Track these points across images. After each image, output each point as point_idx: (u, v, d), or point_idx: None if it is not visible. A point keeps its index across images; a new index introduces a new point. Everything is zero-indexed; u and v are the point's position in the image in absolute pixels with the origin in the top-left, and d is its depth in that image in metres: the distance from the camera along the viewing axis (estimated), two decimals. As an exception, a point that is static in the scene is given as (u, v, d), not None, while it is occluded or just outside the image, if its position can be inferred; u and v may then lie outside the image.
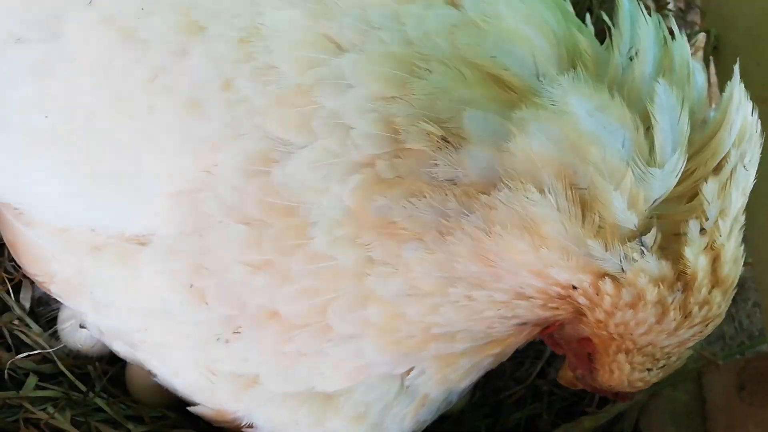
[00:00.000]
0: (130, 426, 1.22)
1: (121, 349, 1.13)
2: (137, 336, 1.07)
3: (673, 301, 0.84)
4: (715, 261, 0.84)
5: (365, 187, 0.90)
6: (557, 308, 0.92)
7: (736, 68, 0.86)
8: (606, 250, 0.81)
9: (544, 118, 0.81)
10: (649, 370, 0.93)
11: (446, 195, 0.86)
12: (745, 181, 0.85)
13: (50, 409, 1.16)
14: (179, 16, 0.95)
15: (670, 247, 0.83)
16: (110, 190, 1.01)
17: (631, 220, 0.80)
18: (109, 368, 1.30)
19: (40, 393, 1.20)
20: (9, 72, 0.98)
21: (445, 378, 1.07)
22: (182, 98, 0.93)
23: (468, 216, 0.85)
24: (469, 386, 1.23)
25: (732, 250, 0.86)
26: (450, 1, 0.94)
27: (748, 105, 0.86)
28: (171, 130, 0.95)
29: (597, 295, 0.85)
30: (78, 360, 1.29)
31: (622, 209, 0.79)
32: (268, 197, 0.92)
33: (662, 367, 0.93)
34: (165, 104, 0.94)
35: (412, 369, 1.04)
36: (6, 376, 1.22)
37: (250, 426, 1.08)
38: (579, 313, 0.91)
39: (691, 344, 0.91)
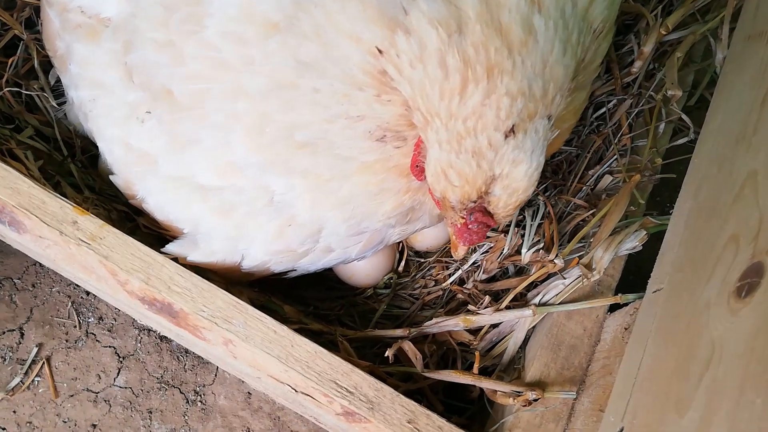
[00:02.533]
0: (86, 192, 1.43)
1: (80, 121, 1.33)
2: (88, 106, 1.27)
3: (451, 46, 0.85)
4: (489, 2, 0.85)
5: None
6: (390, 101, 0.97)
7: None
8: None
9: None
10: (457, 153, 0.91)
11: None
12: None
13: (30, 155, 1.40)
14: None
15: None
16: None
17: None
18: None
19: (31, 141, 1.46)
20: None
21: (315, 201, 1.14)
22: None
23: None
24: (366, 252, 1.29)
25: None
26: None
27: None
28: None
29: (398, 57, 0.90)
30: (77, 136, 1.54)
31: None
32: (182, -15, 1.05)
33: (472, 153, 0.90)
34: None
35: (282, 184, 1.13)
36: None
37: (144, 201, 1.24)
38: (407, 107, 0.95)
39: (491, 119, 0.88)
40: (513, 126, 0.89)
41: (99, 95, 1.23)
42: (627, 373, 0.98)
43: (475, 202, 0.96)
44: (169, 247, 1.22)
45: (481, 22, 0.87)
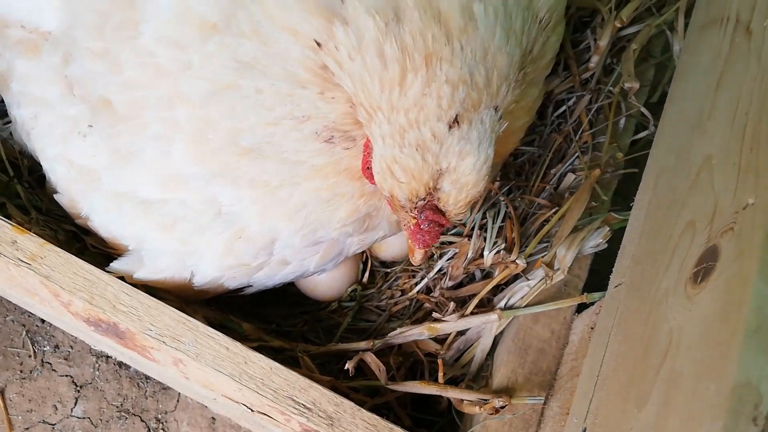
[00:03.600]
0: (33, 214, 1.38)
1: (24, 140, 1.28)
2: (30, 124, 1.22)
3: (389, 35, 0.83)
4: None
5: None
6: (334, 98, 0.94)
7: None
8: None
9: None
10: (401, 147, 0.87)
11: None
12: None
13: (-27, 178, 1.35)
14: None
15: None
16: None
17: None
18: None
19: (-26, 165, 1.40)
20: None
21: (265, 211, 1.09)
22: None
23: None
24: (325, 264, 1.24)
25: None
26: None
27: None
28: None
29: (336, 50, 0.87)
30: (23, 156, 1.49)
31: None
32: (115, -9, 1.01)
33: (416, 146, 0.86)
34: None
35: (229, 195, 1.08)
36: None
37: (89, 219, 1.19)
38: (352, 103, 0.92)
39: (433, 110, 0.85)
40: (457, 116, 0.85)
41: (40, 112, 1.18)
42: (590, 372, 0.94)
43: (424, 199, 0.92)
44: (114, 265, 1.17)
45: (419, 8, 0.84)
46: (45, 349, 1.62)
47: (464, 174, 0.88)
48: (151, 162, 1.06)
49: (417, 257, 1.06)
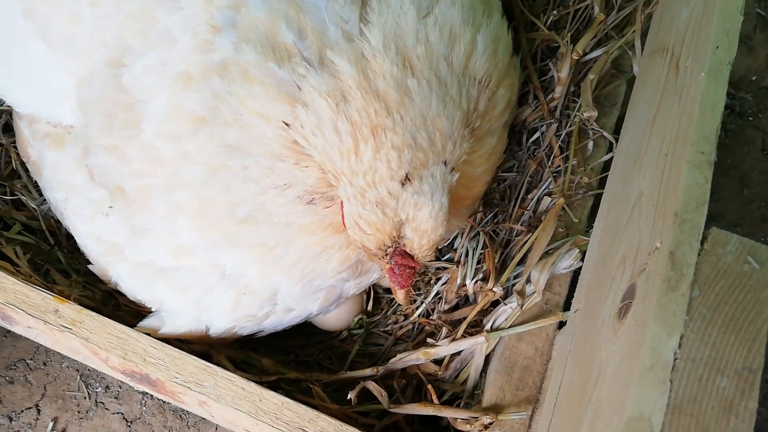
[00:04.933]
0: (74, 276, 1.56)
1: (59, 218, 1.47)
2: (62, 206, 1.40)
3: (340, 113, 0.99)
4: (366, 72, 0.99)
5: (182, 89, 1.12)
6: (308, 167, 1.09)
7: None
8: (280, 68, 1.01)
9: None
10: (363, 205, 1.02)
11: (212, 78, 1.08)
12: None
13: (18, 251, 1.54)
14: None
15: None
16: (50, 87, 1.33)
17: (290, 39, 1.02)
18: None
19: (19, 236, 1.60)
20: None
21: (265, 269, 1.24)
22: (66, 12, 1.20)
23: (227, 86, 1.07)
24: (328, 307, 1.38)
25: (387, 65, 1.00)
26: None
27: None
28: (65, 39, 1.23)
29: (302, 128, 1.02)
30: (60, 226, 1.68)
31: (286, 31, 1.01)
32: (118, 94, 1.17)
33: (376, 203, 1.01)
34: (57, 17, 1.21)
35: (232, 258, 1.23)
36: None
37: (118, 285, 1.36)
38: (322, 169, 1.07)
39: (385, 171, 1.00)
40: (407, 174, 0.99)
41: (70, 196, 1.36)
42: (551, 393, 1.05)
43: (391, 246, 1.05)
44: (143, 323, 1.34)
45: (360, 89, 0.98)
46: (97, 390, 1.82)
47: (423, 222, 1.02)
48: (162, 237, 1.22)
49: (400, 297, 1.19)
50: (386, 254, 1.08)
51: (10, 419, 1.77)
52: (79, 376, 1.83)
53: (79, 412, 1.79)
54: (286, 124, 1.06)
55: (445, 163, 1.03)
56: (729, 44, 0.84)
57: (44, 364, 1.85)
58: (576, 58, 1.40)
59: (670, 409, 0.69)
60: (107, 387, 1.82)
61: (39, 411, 1.79)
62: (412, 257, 1.08)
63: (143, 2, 1.13)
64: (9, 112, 1.69)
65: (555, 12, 1.50)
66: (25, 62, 1.28)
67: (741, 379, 0.71)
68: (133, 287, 1.32)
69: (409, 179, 1.00)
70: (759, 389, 0.73)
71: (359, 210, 1.02)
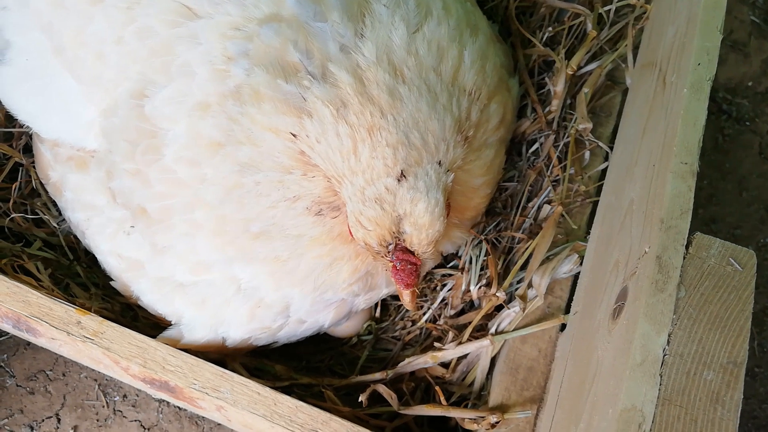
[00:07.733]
0: (93, 290, 1.63)
1: (78, 237, 1.54)
2: (84, 225, 1.47)
3: (340, 118, 1.07)
4: (361, 80, 1.07)
5: (201, 117, 1.19)
6: (315, 177, 1.15)
7: None
8: (287, 83, 1.09)
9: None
10: (363, 202, 1.08)
11: (226, 102, 1.16)
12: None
13: (40, 266, 1.61)
14: None
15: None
16: (78, 117, 1.40)
17: (297, 57, 1.11)
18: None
19: (40, 252, 1.67)
20: None
21: (278, 283, 1.30)
22: (93, 51, 1.28)
23: (239, 108, 1.15)
24: (339, 321, 1.45)
25: (380, 74, 1.09)
26: None
27: None
28: (92, 75, 1.30)
29: (308, 137, 1.09)
30: (79, 241, 1.74)
31: (293, 51, 1.10)
32: (141, 123, 1.24)
33: (375, 200, 1.07)
34: (85, 55, 1.29)
35: (247, 273, 1.30)
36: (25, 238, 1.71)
37: (138, 300, 1.43)
38: (328, 177, 1.13)
39: (381, 168, 1.07)
40: (402, 171, 1.07)
41: (92, 216, 1.43)
42: (553, 391, 1.10)
43: (392, 243, 1.11)
44: (164, 335, 1.40)
45: (357, 95, 1.08)
46: (115, 399, 1.88)
47: (420, 216, 1.08)
48: (182, 254, 1.29)
49: (406, 299, 1.25)
50: (388, 251, 1.14)
51: (32, 428, 1.83)
52: (97, 386, 1.89)
53: (97, 420, 1.85)
54: (294, 135, 1.13)
55: (440, 163, 1.10)
56: (709, 62, 0.90)
57: (63, 374, 1.91)
58: (570, 73, 1.47)
59: (660, 400, 0.74)
60: (125, 396, 1.88)
61: (59, 420, 1.85)
62: (413, 253, 1.14)
63: (165, 39, 1.21)
64: (29, 134, 1.77)
65: (550, 28, 1.57)
66: (56, 95, 1.36)
67: (726, 373, 0.77)
68: (153, 301, 1.38)
69: (404, 176, 1.07)
70: (743, 381, 0.79)
71: (360, 207, 1.09)
